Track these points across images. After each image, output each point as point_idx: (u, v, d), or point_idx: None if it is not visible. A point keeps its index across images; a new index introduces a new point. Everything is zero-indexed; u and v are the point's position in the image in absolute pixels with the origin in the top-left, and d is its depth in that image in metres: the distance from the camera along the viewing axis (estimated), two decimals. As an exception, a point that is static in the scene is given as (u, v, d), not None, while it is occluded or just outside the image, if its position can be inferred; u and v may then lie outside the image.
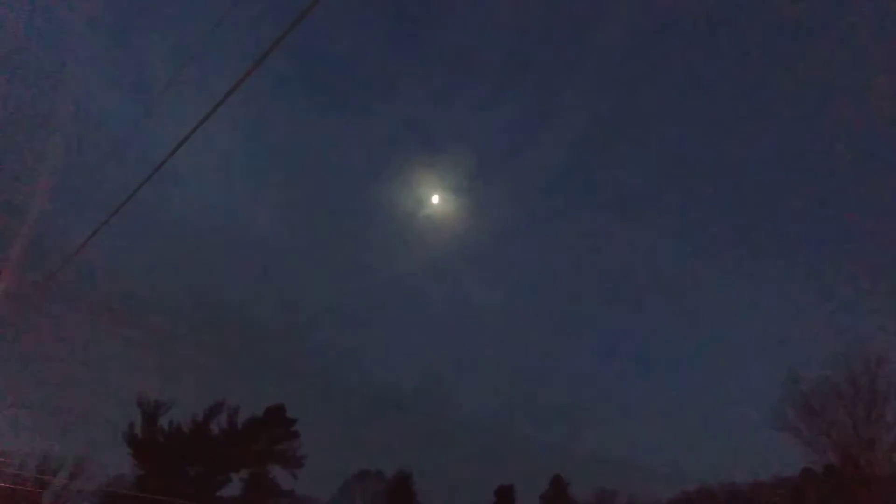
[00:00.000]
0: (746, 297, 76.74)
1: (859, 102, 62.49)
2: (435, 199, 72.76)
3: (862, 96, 63.31)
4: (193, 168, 61.34)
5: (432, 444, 65.84)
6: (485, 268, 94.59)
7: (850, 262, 63.42)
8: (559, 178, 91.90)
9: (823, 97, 72.46)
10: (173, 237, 74.17)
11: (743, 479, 49.66)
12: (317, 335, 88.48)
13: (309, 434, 54.13)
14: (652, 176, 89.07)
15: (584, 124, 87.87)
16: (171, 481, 47.48)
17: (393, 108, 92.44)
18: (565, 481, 56.04)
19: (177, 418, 51.07)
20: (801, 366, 41.14)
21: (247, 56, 7.65)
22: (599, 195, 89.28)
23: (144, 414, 50.44)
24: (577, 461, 60.47)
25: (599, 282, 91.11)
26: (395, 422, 68.63)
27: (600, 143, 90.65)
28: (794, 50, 73.37)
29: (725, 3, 73.73)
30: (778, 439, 40.29)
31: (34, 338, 42.32)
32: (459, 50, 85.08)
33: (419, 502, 55.36)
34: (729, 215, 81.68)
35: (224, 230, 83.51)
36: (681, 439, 68.17)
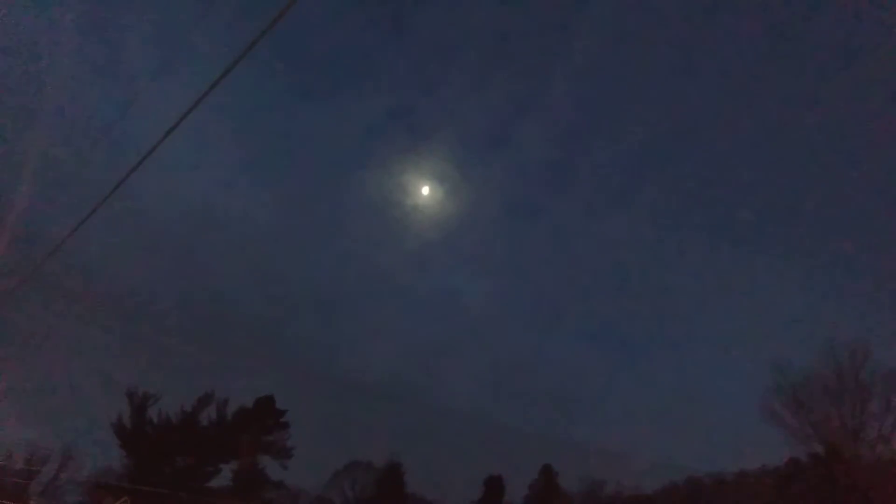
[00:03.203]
0: (733, 289, 77.18)
1: (846, 93, 62.80)
2: (425, 190, 72.30)
3: (847, 87, 63.66)
4: (177, 159, 60.39)
5: (422, 434, 66.00)
6: (472, 257, 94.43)
7: (836, 255, 64.21)
8: (545, 168, 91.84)
9: (809, 86, 72.83)
10: (161, 229, 73.25)
11: (729, 469, 50.37)
12: (305, 326, 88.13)
13: (299, 425, 54.20)
14: (639, 165, 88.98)
15: (570, 113, 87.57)
16: (160, 472, 47.31)
17: (378, 97, 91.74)
18: (554, 471, 56.42)
19: (165, 409, 50.90)
20: (788, 358, 41.77)
21: (228, 44, 7.41)
22: (586, 184, 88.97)
23: (133, 405, 50.15)
24: (566, 451, 60.75)
25: (587, 272, 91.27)
26: (385, 413, 68.50)
27: (587, 132, 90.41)
28: (781, 41, 73.60)
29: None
30: (764, 430, 40.91)
31: (21, 329, 41.85)
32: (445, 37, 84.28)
33: (409, 493, 55.49)
34: (716, 206, 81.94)
35: (209, 221, 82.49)
36: (668, 430, 68.78)
